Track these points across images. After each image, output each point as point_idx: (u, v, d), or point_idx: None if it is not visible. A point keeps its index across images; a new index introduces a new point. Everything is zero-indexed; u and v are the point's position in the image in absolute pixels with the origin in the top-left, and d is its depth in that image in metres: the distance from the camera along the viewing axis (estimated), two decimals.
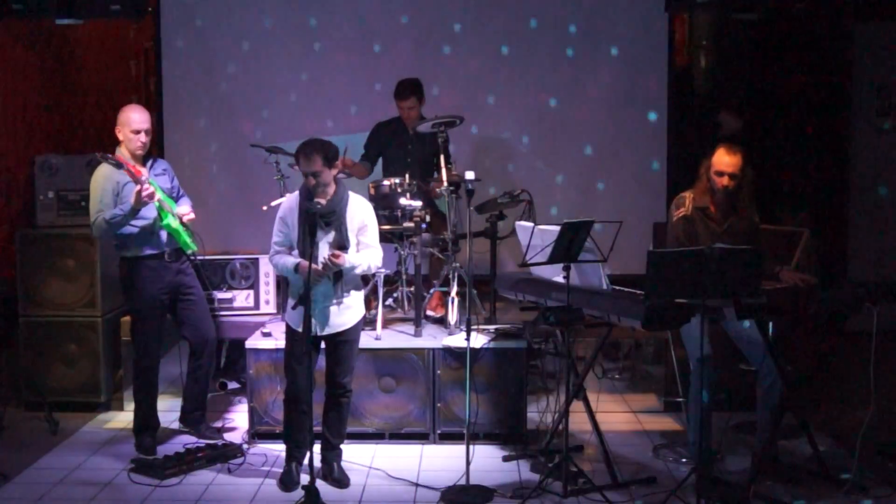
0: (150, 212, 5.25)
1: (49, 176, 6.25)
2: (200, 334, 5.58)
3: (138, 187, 5.12)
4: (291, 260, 4.86)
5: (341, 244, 4.84)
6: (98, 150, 5.31)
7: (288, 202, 4.99)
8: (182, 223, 5.40)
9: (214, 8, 7.61)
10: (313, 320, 4.80)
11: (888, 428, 5.31)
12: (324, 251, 4.80)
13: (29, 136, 7.67)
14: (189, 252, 5.45)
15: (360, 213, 4.95)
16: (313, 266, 4.68)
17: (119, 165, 5.16)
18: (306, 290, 4.62)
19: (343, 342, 4.98)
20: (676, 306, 4.58)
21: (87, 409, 6.17)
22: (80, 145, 8.26)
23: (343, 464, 5.12)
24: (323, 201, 4.82)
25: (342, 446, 5.16)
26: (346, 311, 4.95)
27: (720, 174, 4.93)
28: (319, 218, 4.77)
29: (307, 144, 4.84)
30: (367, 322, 5.84)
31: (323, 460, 5.09)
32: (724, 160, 4.92)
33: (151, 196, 5.16)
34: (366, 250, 4.94)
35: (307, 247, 4.76)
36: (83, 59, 8.54)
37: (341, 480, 5.02)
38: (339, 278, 4.86)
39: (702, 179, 5.03)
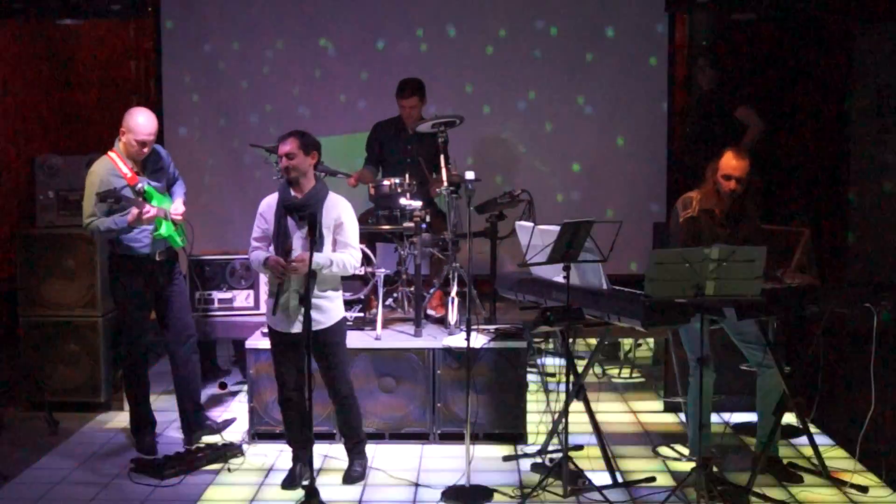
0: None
1: (49, 176, 6.24)
2: (179, 329, 5.46)
3: (137, 211, 5.09)
4: (263, 254, 4.86)
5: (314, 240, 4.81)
6: (98, 151, 5.29)
7: (268, 199, 4.97)
8: (173, 222, 5.38)
9: (214, 8, 7.61)
10: (287, 318, 4.81)
11: (888, 428, 5.31)
12: (296, 246, 4.78)
13: (29, 136, 7.67)
14: (178, 248, 5.44)
15: (336, 211, 4.87)
16: (282, 262, 4.69)
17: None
18: (306, 289, 4.61)
19: (325, 345, 4.89)
20: (676, 306, 4.58)
21: (87, 409, 6.16)
22: (80, 145, 8.24)
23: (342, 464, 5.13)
24: (299, 195, 4.82)
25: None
26: (322, 312, 4.87)
27: (728, 178, 4.91)
28: (294, 211, 4.76)
29: (288, 132, 4.87)
30: (367, 322, 5.86)
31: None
32: (731, 164, 4.90)
33: (151, 221, 5.18)
34: (342, 250, 4.88)
35: (281, 242, 4.77)
36: (83, 59, 8.53)
37: (360, 475, 5.05)
38: (312, 277, 4.75)
39: (707, 182, 4.99)
